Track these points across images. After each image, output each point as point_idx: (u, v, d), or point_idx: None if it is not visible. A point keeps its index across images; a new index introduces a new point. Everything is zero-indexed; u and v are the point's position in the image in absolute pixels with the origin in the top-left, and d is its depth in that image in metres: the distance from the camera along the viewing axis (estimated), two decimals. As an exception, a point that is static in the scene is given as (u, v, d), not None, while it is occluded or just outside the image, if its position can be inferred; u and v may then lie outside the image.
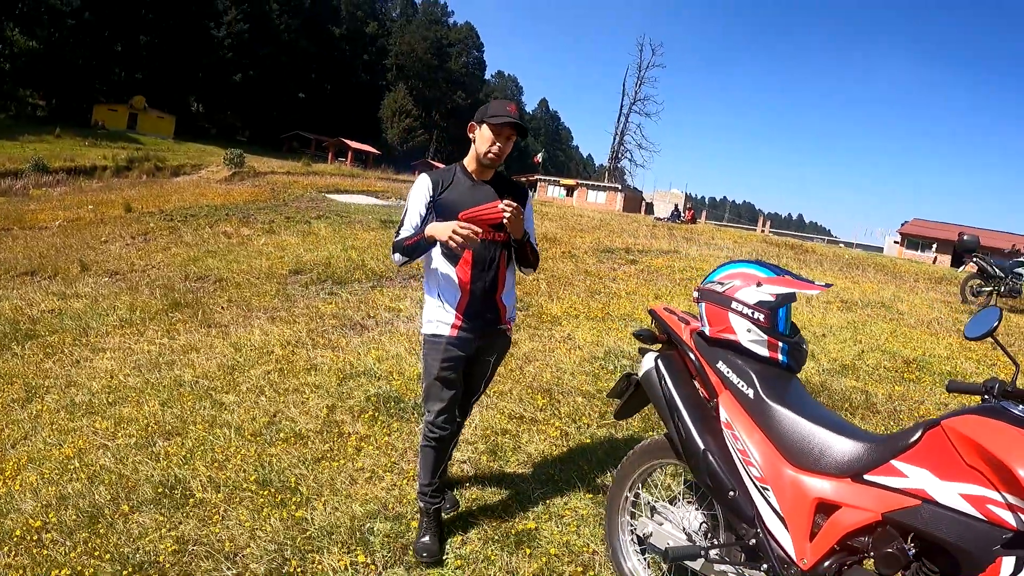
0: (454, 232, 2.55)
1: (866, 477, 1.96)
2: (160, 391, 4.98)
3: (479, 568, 2.81)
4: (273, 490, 3.41)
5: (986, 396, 1.97)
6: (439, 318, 2.88)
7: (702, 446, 2.25)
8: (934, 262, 31.06)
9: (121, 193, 23.38)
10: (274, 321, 6.83)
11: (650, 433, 4.12)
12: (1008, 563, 1.65)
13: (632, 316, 7.14)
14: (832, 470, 2.03)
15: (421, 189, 2.86)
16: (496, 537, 3.02)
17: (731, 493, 2.17)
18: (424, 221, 2.82)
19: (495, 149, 2.79)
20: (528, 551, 2.89)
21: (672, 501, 2.63)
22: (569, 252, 11.70)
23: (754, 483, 2.16)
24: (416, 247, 2.77)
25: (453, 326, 2.87)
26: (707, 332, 2.37)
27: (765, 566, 2.13)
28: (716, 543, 2.31)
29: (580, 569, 2.80)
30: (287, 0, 69.85)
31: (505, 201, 2.65)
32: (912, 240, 45.96)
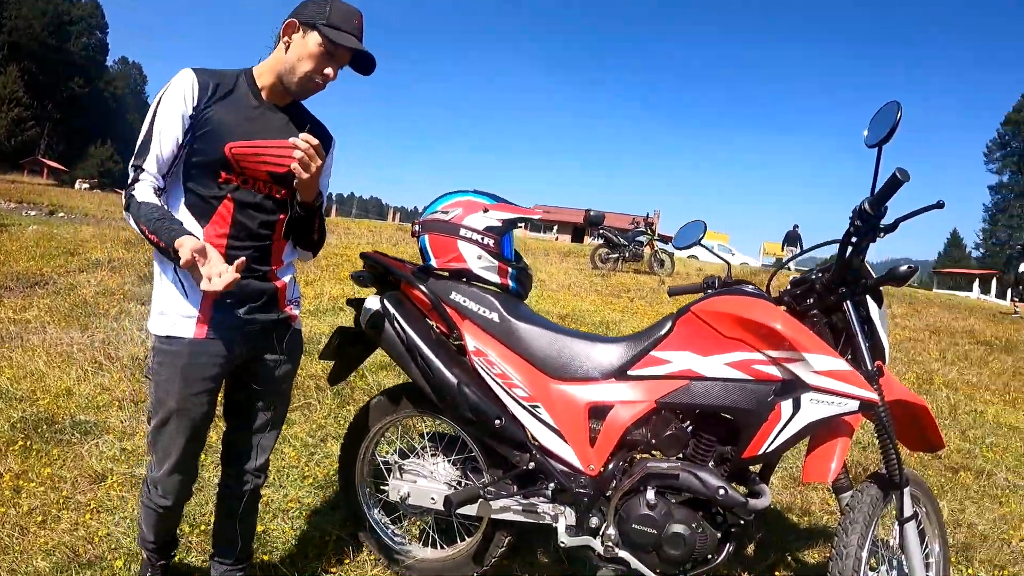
0: (196, 249, 1.64)
1: (631, 373, 2.16)
2: None
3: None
4: None
5: (708, 290, 2.30)
6: (176, 309, 1.91)
7: (455, 380, 2.17)
8: (556, 240, 35.78)
9: None
10: None
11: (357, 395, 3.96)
12: (786, 406, 2.00)
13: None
14: (597, 374, 2.18)
15: (178, 94, 1.85)
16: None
17: (498, 421, 2.18)
18: (177, 155, 1.86)
19: (320, 76, 1.91)
20: (266, 557, 2.60)
21: (418, 457, 2.55)
22: None
23: (521, 404, 2.21)
24: (155, 246, 1.78)
25: (199, 321, 1.91)
26: (434, 265, 2.31)
27: (551, 486, 2.20)
28: (493, 478, 2.31)
29: (333, 561, 2.62)
30: None
31: (303, 135, 1.80)
32: (535, 223, 52.36)
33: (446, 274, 2.35)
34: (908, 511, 2.09)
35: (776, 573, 2.79)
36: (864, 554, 1.95)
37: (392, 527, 2.65)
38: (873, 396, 1.97)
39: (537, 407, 2.20)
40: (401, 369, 2.33)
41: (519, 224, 2.38)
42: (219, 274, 1.62)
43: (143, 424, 3.60)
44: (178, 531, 2.38)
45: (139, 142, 1.85)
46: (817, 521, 3.30)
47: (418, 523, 2.78)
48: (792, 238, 23.58)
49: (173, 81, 1.87)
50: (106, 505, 2.89)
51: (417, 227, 2.38)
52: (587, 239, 21.19)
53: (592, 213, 13.21)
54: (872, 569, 2.02)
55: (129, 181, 1.83)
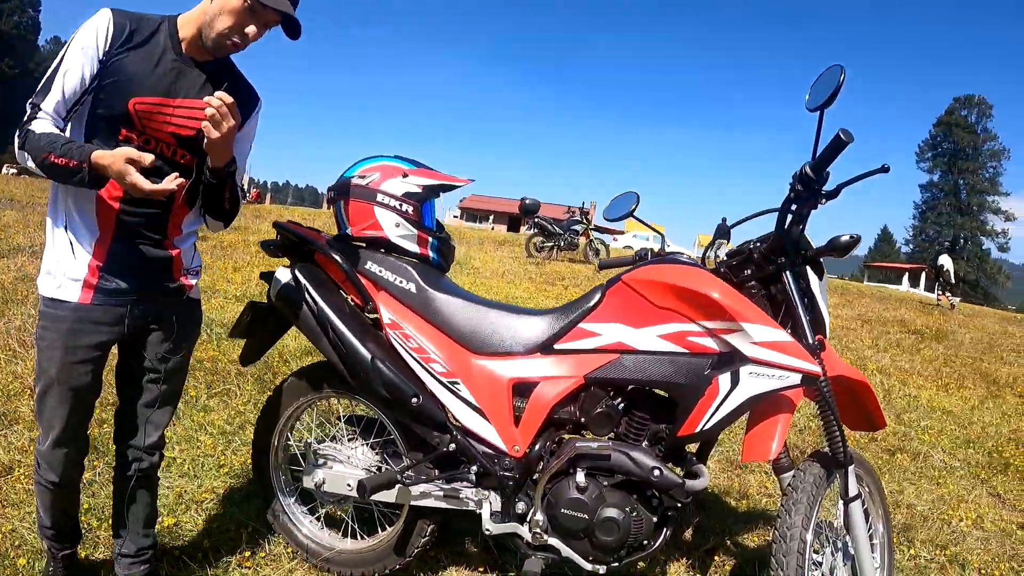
0: (129, 161, 1.55)
1: (557, 347, 2.02)
2: None
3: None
4: None
5: (640, 262, 2.15)
6: (64, 270, 1.77)
7: (368, 354, 2.01)
8: (492, 229, 35.79)
9: None
10: None
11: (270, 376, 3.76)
12: (724, 380, 1.86)
13: (213, 288, 6.52)
14: (520, 348, 2.04)
15: (90, 34, 1.68)
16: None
17: (415, 400, 2.02)
18: (80, 99, 1.68)
19: (239, 35, 1.74)
20: (176, 553, 2.38)
21: (334, 441, 2.37)
22: None
23: (439, 381, 2.06)
24: (62, 171, 1.60)
25: (86, 285, 1.77)
26: (350, 232, 2.15)
27: (474, 468, 2.06)
28: (411, 463, 2.14)
29: (247, 555, 2.41)
30: None
31: (218, 93, 1.65)
32: (471, 213, 52.87)
33: (363, 244, 2.19)
34: (853, 490, 2.00)
35: (716, 557, 2.70)
36: (809, 536, 1.84)
37: (309, 517, 2.45)
38: (816, 369, 1.86)
39: (456, 383, 2.05)
40: (313, 344, 2.15)
41: (441, 192, 2.23)
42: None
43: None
44: (82, 522, 2.23)
45: (43, 80, 1.68)
46: (756, 504, 3.23)
47: (337, 513, 2.59)
48: (721, 231, 24.11)
49: (89, 20, 1.70)
50: (11, 499, 2.62)
51: (332, 193, 2.21)
52: (523, 229, 21.18)
53: (527, 201, 13.09)
54: (815, 552, 1.92)
55: (24, 119, 1.65)
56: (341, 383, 2.20)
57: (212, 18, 1.72)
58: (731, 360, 1.89)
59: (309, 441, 2.33)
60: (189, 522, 2.60)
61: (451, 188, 2.24)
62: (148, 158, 1.58)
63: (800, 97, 1.92)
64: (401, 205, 2.11)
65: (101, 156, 1.56)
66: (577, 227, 14.96)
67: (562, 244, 14.44)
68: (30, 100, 1.66)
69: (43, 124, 1.64)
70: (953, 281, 17.35)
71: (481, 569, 2.44)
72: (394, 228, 2.12)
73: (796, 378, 1.86)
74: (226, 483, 2.91)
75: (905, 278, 34.75)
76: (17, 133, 1.65)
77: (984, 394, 6.41)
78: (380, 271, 2.11)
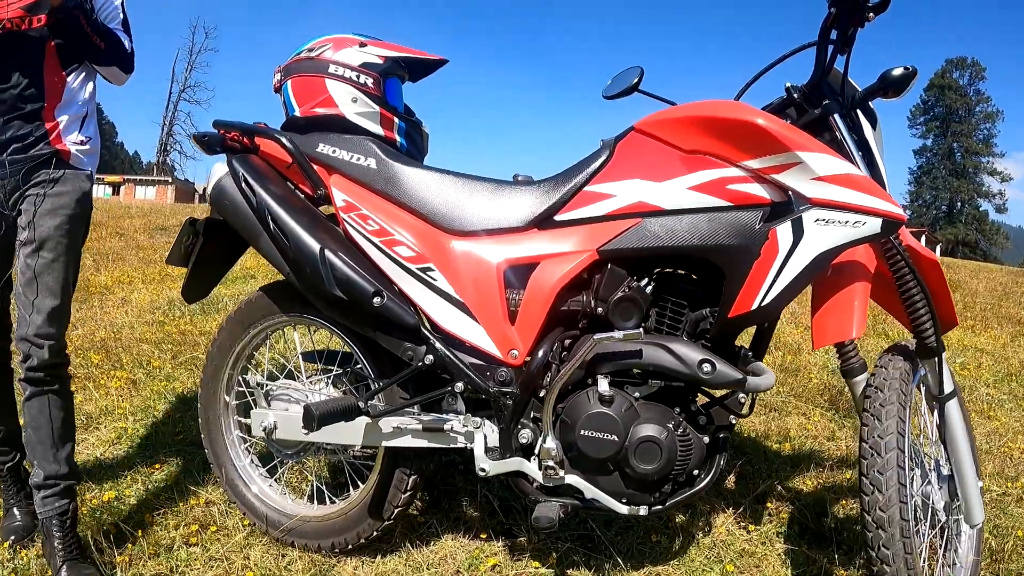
0: None
1: (558, 218, 1.57)
2: None
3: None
4: None
5: None
6: None
7: (317, 245, 1.60)
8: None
9: None
10: None
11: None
12: (784, 232, 1.40)
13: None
14: (511, 224, 1.61)
15: None
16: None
17: (377, 299, 1.58)
18: None
19: None
20: (114, 530, 1.96)
21: (290, 378, 1.94)
22: (117, 232, 10.12)
23: (407, 269, 1.63)
24: None
25: None
26: (298, 114, 1.75)
27: (459, 387, 1.60)
28: (380, 386, 1.70)
29: (194, 529, 1.98)
30: None
31: None
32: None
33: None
34: (949, 385, 1.55)
35: (768, 504, 2.24)
36: (906, 444, 1.39)
37: (268, 481, 2.00)
38: (898, 211, 1.39)
39: (430, 270, 1.61)
40: (252, 246, 1.73)
41: (410, 70, 1.85)
42: None
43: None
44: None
45: None
46: (800, 446, 2.79)
47: (303, 474, 2.14)
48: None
49: None
50: None
51: (279, 75, 1.82)
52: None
53: (520, 177, 12.66)
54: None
55: None
56: (295, 303, 1.78)
57: None
58: (789, 207, 1.42)
59: (260, 381, 1.87)
60: (132, 495, 2.22)
61: (421, 65, 1.87)
62: None
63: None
64: (359, 76, 1.71)
65: None
66: None
67: None
68: None
69: None
70: None
71: (483, 536, 1.99)
72: (350, 104, 1.71)
73: (876, 223, 1.38)
74: (180, 452, 2.54)
75: (904, 242, 34.53)
76: None
77: (1013, 332, 6.10)
78: (334, 151, 1.70)
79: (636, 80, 1.81)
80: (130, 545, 1.90)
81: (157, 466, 2.42)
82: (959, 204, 56.41)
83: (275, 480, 2.01)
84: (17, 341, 1.76)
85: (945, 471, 1.65)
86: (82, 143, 1.80)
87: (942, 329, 1.68)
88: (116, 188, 48.30)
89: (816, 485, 2.42)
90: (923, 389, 1.65)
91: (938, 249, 16.89)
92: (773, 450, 2.73)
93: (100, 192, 48.53)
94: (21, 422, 1.89)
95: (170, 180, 49.05)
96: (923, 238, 35.20)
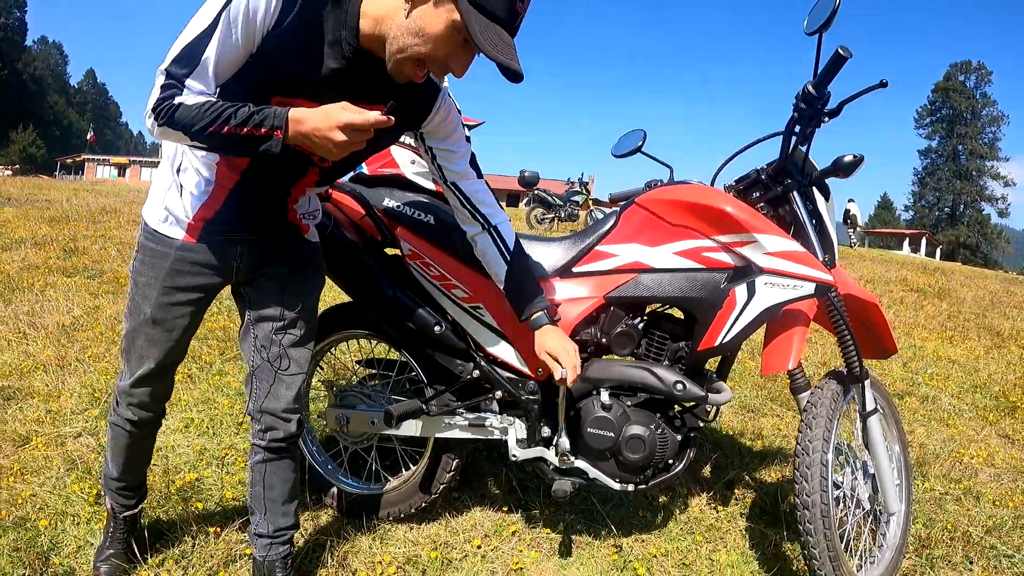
0: (344, 127, 1.32)
1: (575, 270, 2.06)
2: None
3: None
4: None
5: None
6: (172, 207, 1.60)
7: (391, 286, 2.04)
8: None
9: None
10: None
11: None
12: (741, 291, 1.90)
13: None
14: (540, 274, 2.06)
15: (257, 5, 1.32)
16: (157, 502, 2.38)
17: (438, 328, 2.05)
18: (245, 77, 1.40)
19: (444, 66, 1.42)
20: (199, 504, 2.39)
21: (353, 384, 2.42)
22: (133, 221, 10.33)
23: (461, 307, 2.09)
24: (241, 142, 1.34)
25: (191, 228, 1.60)
26: (365, 172, 2.18)
27: (498, 395, 2.10)
28: (436, 391, 2.18)
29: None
30: None
31: (390, 104, 1.38)
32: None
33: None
34: (871, 404, 2.04)
35: (736, 490, 2.74)
36: (830, 451, 1.87)
37: (332, 464, 2.48)
38: (828, 278, 1.89)
39: (479, 308, 2.08)
40: (333, 282, 2.17)
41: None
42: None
43: (69, 386, 3.35)
44: (148, 479, 2.11)
45: (183, 46, 1.33)
46: (771, 444, 3.27)
47: (360, 460, 2.62)
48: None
49: None
50: (30, 467, 2.62)
51: None
52: (521, 204, 21.14)
53: (527, 173, 13.07)
54: (835, 472, 1.95)
55: (161, 93, 1.32)
56: (359, 323, 2.24)
57: (402, 40, 1.38)
58: (746, 272, 1.92)
59: (328, 381, 2.36)
60: (211, 475, 2.62)
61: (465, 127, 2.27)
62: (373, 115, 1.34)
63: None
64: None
65: (302, 119, 1.32)
66: (577, 198, 14.87)
67: (562, 216, 14.37)
68: (164, 67, 1.33)
69: (192, 97, 1.34)
70: (860, 223, 21.93)
71: (505, 509, 2.48)
72: (409, 165, 2.15)
73: (810, 287, 1.88)
74: (245, 440, 2.91)
75: (906, 243, 34.75)
76: (155, 108, 1.32)
77: (989, 345, 6.41)
78: (398, 206, 2.13)
79: (640, 143, 2.27)
80: (217, 522, 2.27)
81: (225, 451, 2.80)
82: (962, 206, 56.58)
83: (337, 464, 2.50)
84: (258, 412, 1.79)
85: (871, 470, 2.13)
86: (313, 216, 1.81)
87: (884, 355, 2.26)
88: (122, 170, 48.75)
89: (779, 477, 2.89)
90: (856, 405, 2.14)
91: (938, 252, 17.43)
92: (746, 446, 3.22)
93: (106, 173, 48.78)
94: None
95: (173, 161, 49.67)
96: (924, 240, 35.45)
